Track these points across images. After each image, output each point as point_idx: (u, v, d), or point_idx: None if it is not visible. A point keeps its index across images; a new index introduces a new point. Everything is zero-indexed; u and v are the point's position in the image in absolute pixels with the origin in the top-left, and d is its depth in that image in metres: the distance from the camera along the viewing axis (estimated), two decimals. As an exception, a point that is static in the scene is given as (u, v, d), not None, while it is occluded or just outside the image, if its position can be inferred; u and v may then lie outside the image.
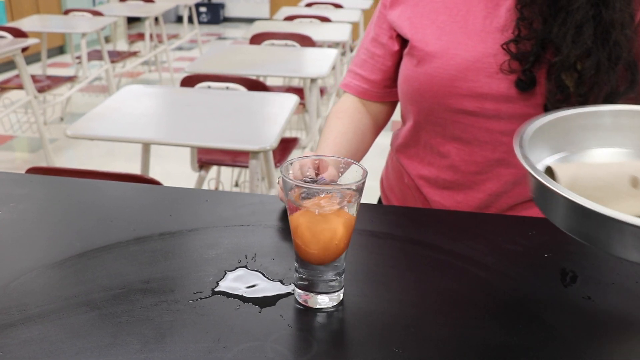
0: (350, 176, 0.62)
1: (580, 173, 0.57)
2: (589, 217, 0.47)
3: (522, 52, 0.75)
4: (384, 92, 0.92)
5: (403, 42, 0.87)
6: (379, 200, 1.06)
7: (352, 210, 0.56)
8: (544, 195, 0.52)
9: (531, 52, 0.74)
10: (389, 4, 0.87)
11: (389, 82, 0.91)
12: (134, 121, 1.56)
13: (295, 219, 0.56)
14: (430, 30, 0.81)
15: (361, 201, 0.79)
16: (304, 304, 0.58)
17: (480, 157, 0.83)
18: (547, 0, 0.73)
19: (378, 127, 0.96)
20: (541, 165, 0.60)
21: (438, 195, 0.90)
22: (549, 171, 0.58)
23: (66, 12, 4.10)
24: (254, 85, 1.95)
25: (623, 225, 0.45)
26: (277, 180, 0.66)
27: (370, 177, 0.58)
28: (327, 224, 0.55)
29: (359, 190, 0.56)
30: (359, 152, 0.91)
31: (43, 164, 2.92)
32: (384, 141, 0.98)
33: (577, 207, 0.47)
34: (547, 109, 0.76)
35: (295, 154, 2.19)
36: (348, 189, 0.56)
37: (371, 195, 1.11)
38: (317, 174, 0.63)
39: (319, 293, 0.58)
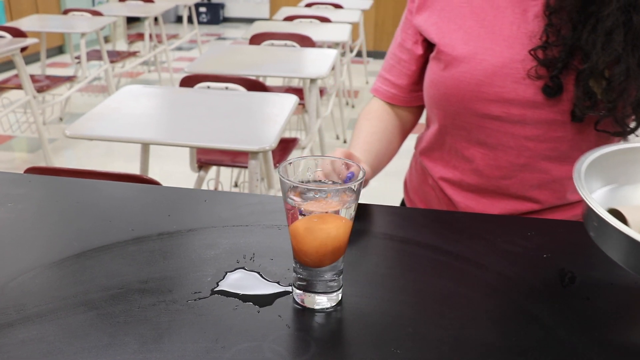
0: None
1: None
2: None
3: (550, 59, 0.75)
4: (410, 96, 0.93)
5: (427, 46, 0.88)
6: (402, 202, 1.06)
7: (350, 211, 0.56)
8: (613, 238, 0.53)
9: (559, 58, 0.74)
10: (415, 9, 0.88)
11: (414, 87, 0.92)
12: (133, 121, 1.56)
13: (293, 221, 0.56)
14: (458, 35, 0.81)
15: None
16: (302, 304, 0.58)
17: (504, 162, 0.83)
18: (576, 7, 0.72)
19: (405, 131, 0.97)
20: (597, 198, 0.62)
21: (462, 197, 0.90)
22: (614, 213, 0.58)
23: (65, 12, 4.10)
24: (254, 85, 1.95)
25: None
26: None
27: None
28: (325, 225, 0.55)
29: (358, 190, 0.56)
30: (388, 153, 0.92)
31: (42, 164, 2.91)
32: (406, 143, 1.00)
33: None
34: (574, 115, 0.77)
35: (294, 154, 2.19)
36: (347, 189, 0.55)
37: (395, 197, 1.11)
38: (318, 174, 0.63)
39: (318, 293, 0.58)
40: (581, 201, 0.55)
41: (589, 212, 0.54)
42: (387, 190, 1.18)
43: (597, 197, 0.62)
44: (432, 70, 0.85)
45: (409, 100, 0.94)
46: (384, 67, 0.96)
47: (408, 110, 0.96)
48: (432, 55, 0.85)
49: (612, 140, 0.82)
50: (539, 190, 0.84)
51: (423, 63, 0.90)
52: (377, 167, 0.88)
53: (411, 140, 1.00)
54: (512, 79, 0.77)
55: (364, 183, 0.76)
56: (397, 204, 1.06)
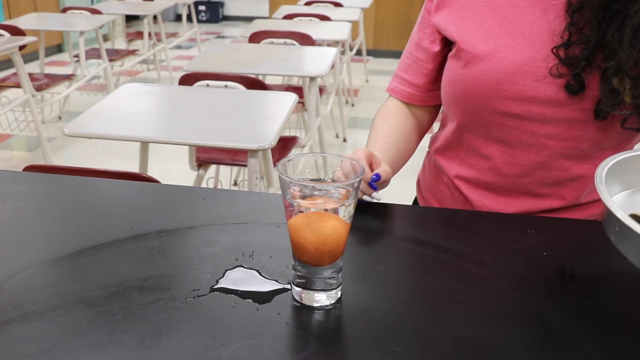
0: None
1: None
2: None
3: (572, 57, 0.75)
4: (427, 95, 0.94)
5: (445, 45, 0.88)
6: (415, 201, 1.06)
7: (350, 209, 0.56)
8: (635, 243, 0.53)
9: (582, 56, 0.74)
10: (433, 8, 0.88)
11: (431, 86, 0.92)
12: (132, 120, 1.55)
13: (292, 218, 0.56)
14: (478, 33, 0.81)
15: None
16: (301, 301, 0.58)
17: (523, 159, 0.83)
18: (600, 4, 0.72)
19: (422, 130, 0.97)
20: (615, 200, 0.62)
21: (478, 195, 0.90)
22: (635, 219, 0.58)
23: (64, 10, 4.09)
24: (253, 83, 1.95)
25: None
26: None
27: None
28: (323, 222, 0.55)
29: (356, 189, 0.56)
30: (405, 153, 0.92)
31: (41, 163, 2.91)
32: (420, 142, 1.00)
33: None
34: (598, 113, 0.76)
35: (294, 152, 2.19)
36: (347, 186, 0.55)
37: (407, 195, 1.11)
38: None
39: (317, 291, 0.58)
40: (598, 200, 0.55)
41: (611, 217, 0.54)
42: (399, 189, 1.18)
43: (616, 201, 0.62)
44: (452, 68, 0.85)
45: (426, 100, 0.94)
46: (399, 66, 0.96)
47: (425, 110, 0.96)
48: (451, 53, 0.85)
49: (634, 138, 0.82)
50: (557, 188, 0.84)
51: (440, 62, 0.90)
52: (396, 167, 0.88)
53: (423, 140, 1.00)
54: (533, 77, 0.77)
55: (384, 184, 0.76)
56: (410, 202, 1.06)
